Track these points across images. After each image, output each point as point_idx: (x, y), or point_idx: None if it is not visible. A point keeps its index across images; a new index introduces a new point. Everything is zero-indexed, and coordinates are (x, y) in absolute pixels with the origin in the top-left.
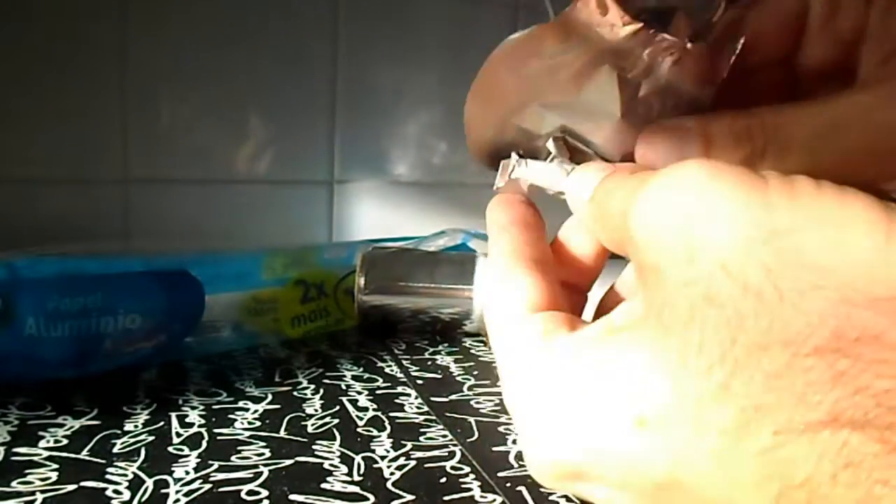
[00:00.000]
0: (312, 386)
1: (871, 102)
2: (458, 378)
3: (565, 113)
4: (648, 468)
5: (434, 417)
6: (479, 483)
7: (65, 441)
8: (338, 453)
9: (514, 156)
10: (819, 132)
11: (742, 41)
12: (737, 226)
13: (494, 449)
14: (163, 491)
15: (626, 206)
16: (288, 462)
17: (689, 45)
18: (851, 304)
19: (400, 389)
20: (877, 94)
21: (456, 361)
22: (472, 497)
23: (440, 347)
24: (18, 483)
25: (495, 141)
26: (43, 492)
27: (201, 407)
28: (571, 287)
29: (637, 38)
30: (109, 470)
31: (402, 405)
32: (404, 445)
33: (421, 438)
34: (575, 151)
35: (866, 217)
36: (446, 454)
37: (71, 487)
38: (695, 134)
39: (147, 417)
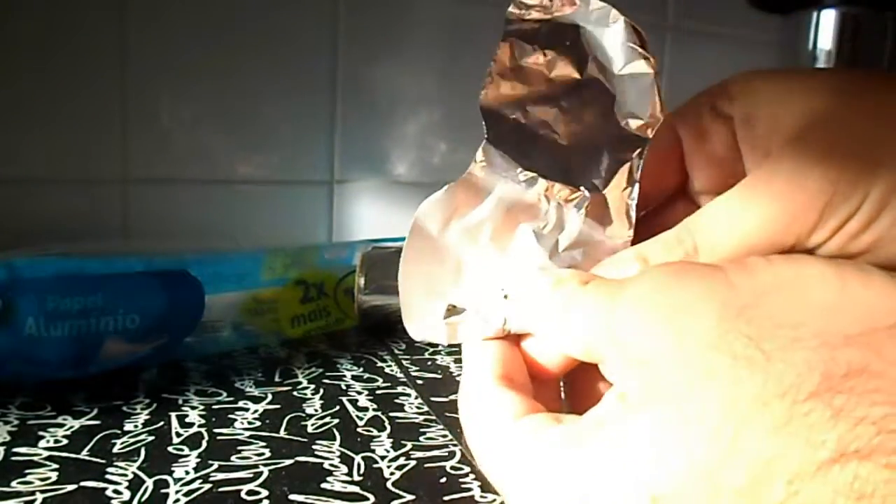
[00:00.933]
0: (312, 386)
1: (765, 177)
2: (458, 378)
3: (493, 273)
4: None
5: (434, 417)
6: (479, 483)
7: (65, 441)
8: (338, 453)
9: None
10: (732, 221)
11: (637, 186)
12: (712, 311)
13: None
14: (163, 491)
15: (596, 319)
16: (288, 462)
17: (588, 194)
18: (831, 346)
19: (400, 389)
20: (770, 170)
21: (456, 361)
22: (472, 497)
23: (440, 347)
24: (18, 483)
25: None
26: (43, 492)
27: (201, 407)
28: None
29: (538, 190)
30: (109, 470)
31: (402, 405)
32: (404, 445)
33: (421, 438)
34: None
35: (817, 272)
36: (446, 454)
37: (71, 487)
38: (633, 258)
39: (147, 417)
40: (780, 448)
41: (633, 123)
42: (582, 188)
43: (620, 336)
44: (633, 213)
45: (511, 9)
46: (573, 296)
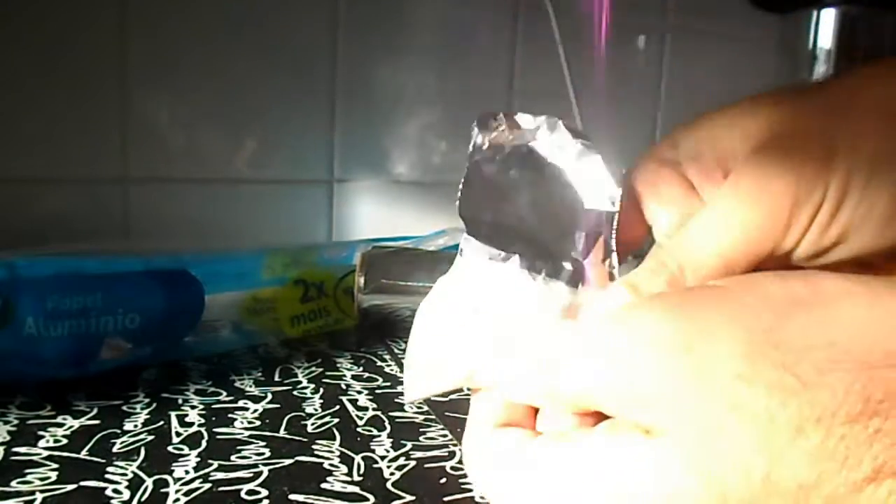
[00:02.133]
0: (312, 385)
1: (730, 193)
2: None
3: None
4: None
5: (434, 417)
6: None
7: (64, 441)
8: (338, 453)
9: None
10: (711, 238)
11: (615, 255)
12: (736, 338)
13: None
14: (162, 490)
15: (595, 380)
16: (288, 462)
17: (570, 267)
18: (871, 367)
19: (400, 389)
20: (732, 185)
21: None
22: (472, 497)
23: None
24: (18, 483)
25: None
26: (43, 491)
27: (201, 406)
28: None
29: (523, 270)
30: (109, 469)
31: (402, 405)
32: (404, 445)
33: (421, 438)
34: None
35: (840, 290)
36: (446, 454)
37: (70, 487)
38: (623, 289)
39: (147, 417)
40: (816, 474)
41: (597, 203)
42: (563, 263)
43: (632, 392)
44: (617, 278)
45: (470, 147)
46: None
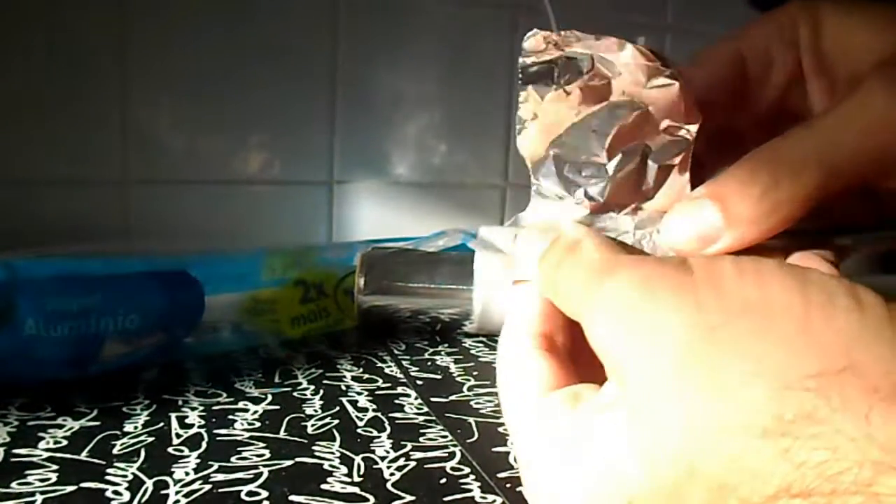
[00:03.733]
0: (312, 386)
1: (852, 112)
2: (458, 379)
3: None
4: None
5: (434, 418)
6: (479, 484)
7: (64, 442)
8: (338, 454)
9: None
10: (819, 147)
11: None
12: (677, 331)
13: (494, 449)
14: (163, 492)
15: (577, 307)
16: (288, 463)
17: (642, 206)
18: (786, 386)
19: (400, 390)
20: (859, 102)
21: (456, 362)
22: (472, 498)
23: (440, 348)
24: (18, 484)
25: None
26: (43, 493)
27: (201, 408)
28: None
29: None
30: (109, 471)
31: (402, 406)
32: (404, 446)
33: (421, 439)
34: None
35: (783, 301)
36: (446, 455)
37: (71, 488)
38: (707, 200)
39: (147, 418)
40: (733, 479)
41: (674, 129)
42: (635, 203)
43: (597, 337)
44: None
45: (522, 58)
46: (561, 268)
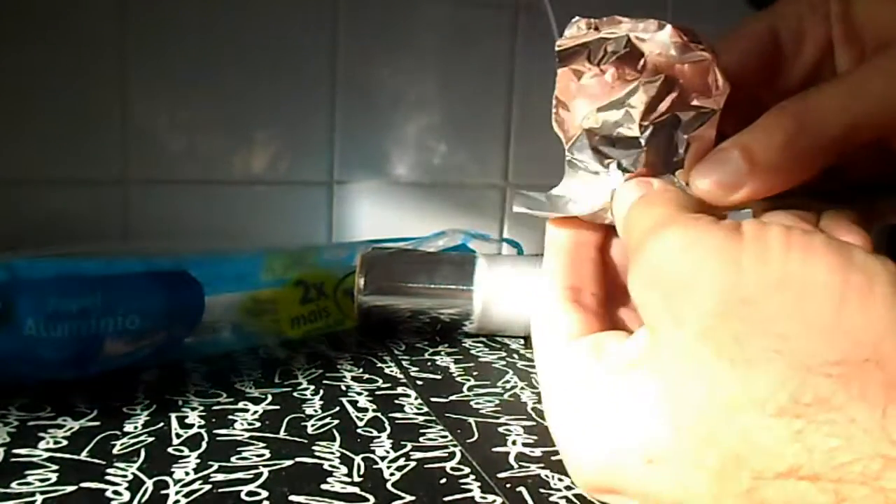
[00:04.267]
0: (312, 387)
1: (880, 63)
2: (458, 379)
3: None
4: (659, 494)
5: (434, 418)
6: (479, 484)
7: (64, 442)
8: (338, 454)
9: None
10: (846, 95)
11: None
12: (712, 298)
13: (494, 450)
14: (163, 492)
15: (631, 255)
16: (288, 463)
17: (672, 177)
18: (807, 369)
19: (400, 390)
20: (882, 58)
21: (456, 362)
22: (472, 498)
23: (440, 348)
24: (18, 484)
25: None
26: (43, 493)
27: (201, 408)
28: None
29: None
30: (109, 471)
31: (402, 406)
32: (404, 446)
33: (421, 439)
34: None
35: (824, 281)
36: (446, 455)
37: (71, 488)
38: (732, 147)
39: (147, 418)
40: (747, 451)
41: (702, 100)
42: (667, 173)
43: (637, 288)
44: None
45: (559, 42)
46: (631, 212)
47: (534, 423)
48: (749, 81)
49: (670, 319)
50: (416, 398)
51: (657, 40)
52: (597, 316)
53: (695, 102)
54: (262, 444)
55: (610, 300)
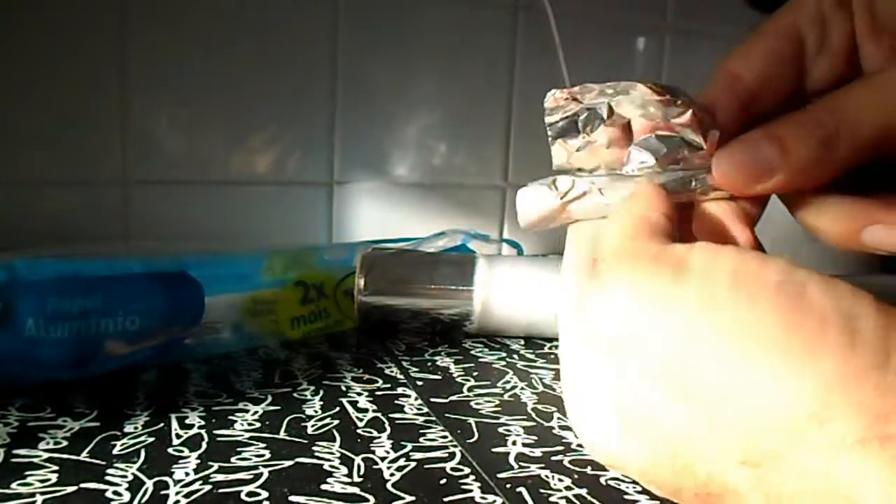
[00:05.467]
0: (312, 387)
1: None
2: (458, 379)
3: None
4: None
5: (434, 418)
6: (479, 484)
7: (64, 443)
8: (338, 454)
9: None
10: (882, 99)
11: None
12: (660, 349)
13: (494, 450)
14: (163, 492)
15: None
16: (288, 463)
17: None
18: (759, 418)
19: (400, 391)
20: None
21: (456, 363)
22: (472, 498)
23: (440, 349)
24: (18, 485)
25: None
26: (43, 493)
27: (201, 408)
28: None
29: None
30: (109, 471)
31: (402, 406)
32: (404, 446)
33: (421, 439)
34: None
35: (771, 323)
36: (446, 455)
37: (71, 489)
38: (766, 139)
39: (147, 419)
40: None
41: (690, 151)
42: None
43: (570, 346)
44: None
45: (546, 117)
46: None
47: (534, 424)
48: (774, 83)
49: (614, 371)
50: (416, 398)
51: (635, 102)
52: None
53: (688, 150)
54: (262, 445)
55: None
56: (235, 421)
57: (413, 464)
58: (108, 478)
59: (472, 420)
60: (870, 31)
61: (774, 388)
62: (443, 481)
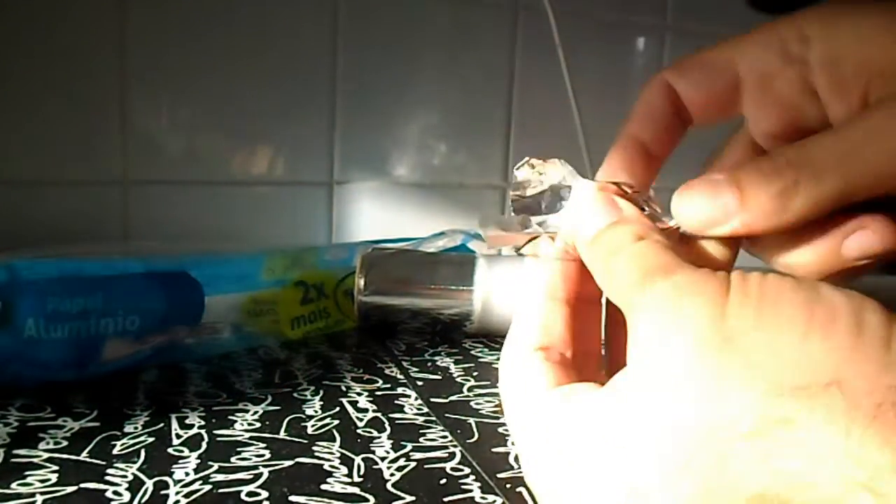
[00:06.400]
0: (312, 387)
1: (879, 124)
2: (458, 379)
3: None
4: None
5: (434, 418)
6: (479, 484)
7: (65, 443)
8: (338, 454)
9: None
10: (843, 155)
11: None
12: (695, 341)
13: (494, 450)
14: (163, 492)
15: (626, 300)
16: (288, 463)
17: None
18: (776, 393)
19: (400, 391)
20: (880, 117)
21: (456, 363)
22: (472, 498)
23: (440, 349)
24: (18, 485)
25: None
26: (43, 493)
27: (201, 408)
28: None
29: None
30: (109, 471)
31: (402, 406)
32: (404, 446)
33: (421, 439)
34: None
35: (791, 315)
36: (446, 455)
37: (71, 489)
38: (726, 183)
39: (147, 419)
40: (719, 476)
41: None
42: None
43: (639, 337)
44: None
45: (512, 191)
46: (618, 256)
47: None
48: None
49: (666, 352)
50: (416, 399)
51: (582, 195)
52: (567, 371)
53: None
54: (262, 445)
55: (581, 360)
56: (235, 421)
57: (413, 464)
58: (108, 478)
59: (472, 420)
60: (836, 87)
61: (796, 361)
62: (443, 481)
